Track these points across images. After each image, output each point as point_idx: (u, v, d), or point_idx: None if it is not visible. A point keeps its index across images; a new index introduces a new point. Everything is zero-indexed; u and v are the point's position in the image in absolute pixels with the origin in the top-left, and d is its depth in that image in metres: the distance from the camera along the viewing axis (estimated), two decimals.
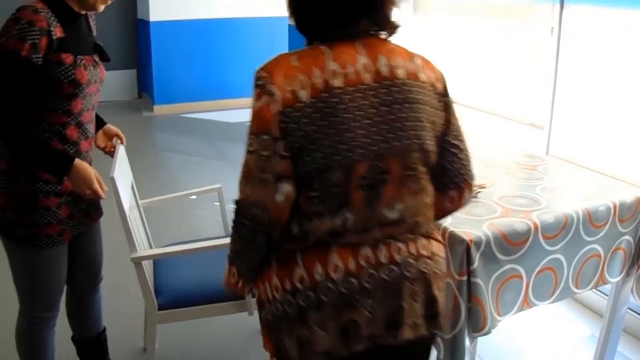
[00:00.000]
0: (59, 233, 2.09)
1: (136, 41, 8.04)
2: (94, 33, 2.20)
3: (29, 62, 1.86)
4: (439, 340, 2.01)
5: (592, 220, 2.18)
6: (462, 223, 2.04)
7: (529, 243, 2.05)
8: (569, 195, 2.31)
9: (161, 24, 7.22)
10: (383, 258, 1.47)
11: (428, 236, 1.55)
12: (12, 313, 2.27)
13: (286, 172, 1.41)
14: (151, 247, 2.68)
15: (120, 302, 3.16)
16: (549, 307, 3.09)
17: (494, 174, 2.50)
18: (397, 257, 1.48)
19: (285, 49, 1.63)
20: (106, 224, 2.45)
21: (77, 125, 2.06)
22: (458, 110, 1.61)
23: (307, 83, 1.40)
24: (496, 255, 2.00)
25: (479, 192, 2.29)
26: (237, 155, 1.78)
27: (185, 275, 2.52)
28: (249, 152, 1.43)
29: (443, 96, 1.54)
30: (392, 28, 1.52)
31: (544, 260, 2.12)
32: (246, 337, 3.03)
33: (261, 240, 1.48)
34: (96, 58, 2.12)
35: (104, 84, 2.17)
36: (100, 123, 2.35)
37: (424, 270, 1.51)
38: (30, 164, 1.99)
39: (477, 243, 1.95)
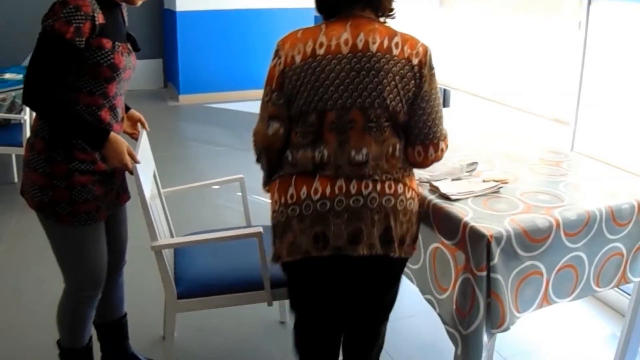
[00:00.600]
0: (96, 210, 2.17)
1: (162, 31, 8.09)
2: (126, 23, 2.27)
3: (72, 44, 1.95)
4: (457, 335, 2.01)
5: (615, 218, 2.16)
6: (483, 218, 2.03)
7: (550, 240, 2.03)
8: (592, 193, 2.28)
9: (187, 13, 7.26)
10: (353, 190, 1.88)
11: (397, 180, 1.92)
12: (45, 290, 2.31)
13: (275, 114, 1.92)
14: (172, 236, 2.70)
15: (141, 290, 3.19)
16: (569, 305, 3.07)
17: (517, 169, 2.49)
18: (364, 191, 1.88)
19: None
20: (128, 212, 2.48)
21: (110, 108, 2.15)
22: (438, 81, 1.94)
23: (302, 50, 1.87)
24: (517, 251, 1.99)
25: (501, 187, 2.27)
26: None
27: (206, 264, 2.53)
28: (262, 97, 1.95)
29: (420, 68, 1.88)
30: (384, 11, 1.94)
31: (565, 258, 2.10)
32: (265, 328, 3.04)
33: (264, 158, 2.01)
34: (129, 46, 2.20)
35: (134, 72, 2.25)
36: (125, 108, 2.41)
37: (385, 204, 1.90)
38: (70, 137, 2.07)
39: (498, 238, 1.94)
